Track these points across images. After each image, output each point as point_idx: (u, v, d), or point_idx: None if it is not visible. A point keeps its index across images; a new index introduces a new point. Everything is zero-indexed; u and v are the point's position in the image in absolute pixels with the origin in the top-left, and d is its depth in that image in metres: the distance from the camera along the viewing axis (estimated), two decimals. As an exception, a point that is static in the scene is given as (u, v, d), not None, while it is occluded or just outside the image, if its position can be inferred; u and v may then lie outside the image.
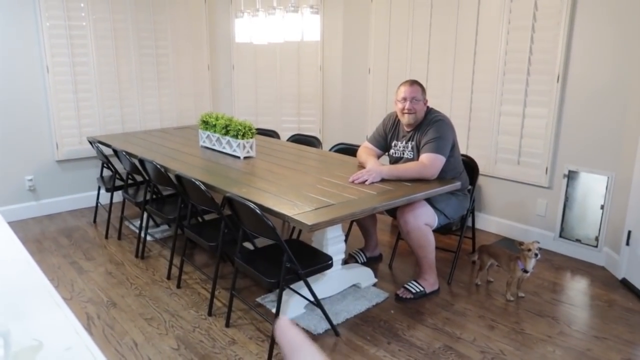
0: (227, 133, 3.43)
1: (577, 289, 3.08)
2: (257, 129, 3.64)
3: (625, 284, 3.07)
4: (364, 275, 3.01)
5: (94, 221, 4.18)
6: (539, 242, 2.80)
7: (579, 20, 3.23)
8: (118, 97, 4.52)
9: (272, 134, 4.37)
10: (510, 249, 2.95)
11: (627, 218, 3.05)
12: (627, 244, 3.05)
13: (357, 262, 3.28)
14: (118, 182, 3.88)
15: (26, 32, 3.97)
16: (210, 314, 2.71)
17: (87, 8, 4.20)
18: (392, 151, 3.10)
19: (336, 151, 3.67)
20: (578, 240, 3.46)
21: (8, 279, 1.30)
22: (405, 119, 2.92)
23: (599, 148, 3.27)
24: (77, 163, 4.43)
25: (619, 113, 3.14)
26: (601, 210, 3.31)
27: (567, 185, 3.45)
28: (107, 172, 4.11)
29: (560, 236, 3.53)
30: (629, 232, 3.03)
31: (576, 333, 2.55)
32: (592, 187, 3.34)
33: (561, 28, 3.28)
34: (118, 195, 4.15)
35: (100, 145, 3.89)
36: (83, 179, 4.49)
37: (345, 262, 2.99)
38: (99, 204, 4.22)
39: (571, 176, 3.42)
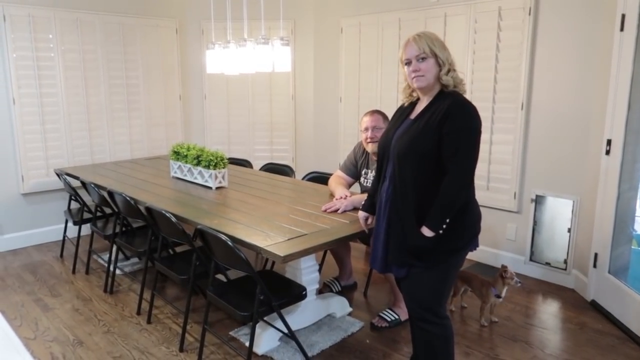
0: (198, 164, 3.40)
1: (549, 312, 3.12)
2: (229, 159, 3.62)
3: (594, 305, 3.12)
4: (338, 305, 2.99)
5: (61, 256, 4.05)
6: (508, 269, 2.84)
7: (540, 51, 3.37)
8: (87, 127, 4.45)
9: (244, 163, 4.36)
10: (483, 274, 2.97)
11: (593, 241, 3.13)
12: (595, 266, 3.12)
13: (331, 291, 3.26)
14: (86, 215, 3.78)
15: (-8, 63, 3.91)
16: (181, 349, 2.64)
17: (55, 39, 4.16)
18: (362, 180, 3.12)
19: (309, 180, 3.67)
20: (548, 264, 3.52)
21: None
22: (369, 148, 2.96)
23: (563, 173, 3.37)
24: (43, 196, 4.32)
25: (581, 138, 3.25)
26: (568, 234, 3.39)
27: (535, 210, 3.53)
28: (74, 205, 4.01)
29: (531, 260, 3.59)
30: (596, 255, 3.11)
31: (549, 357, 2.57)
32: (559, 211, 3.43)
33: (523, 58, 3.42)
34: (86, 229, 4.04)
35: (68, 177, 3.81)
36: (50, 212, 4.37)
37: (319, 291, 2.97)
38: (66, 238, 4.10)
39: (538, 200, 3.51)
